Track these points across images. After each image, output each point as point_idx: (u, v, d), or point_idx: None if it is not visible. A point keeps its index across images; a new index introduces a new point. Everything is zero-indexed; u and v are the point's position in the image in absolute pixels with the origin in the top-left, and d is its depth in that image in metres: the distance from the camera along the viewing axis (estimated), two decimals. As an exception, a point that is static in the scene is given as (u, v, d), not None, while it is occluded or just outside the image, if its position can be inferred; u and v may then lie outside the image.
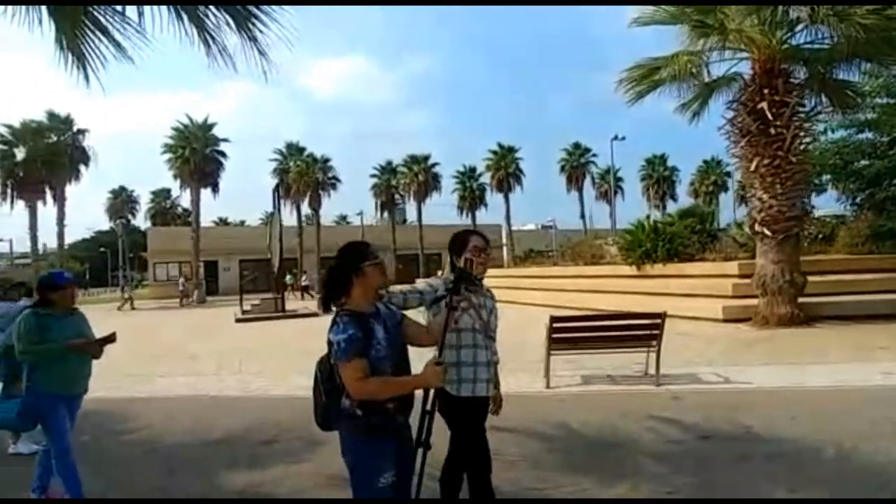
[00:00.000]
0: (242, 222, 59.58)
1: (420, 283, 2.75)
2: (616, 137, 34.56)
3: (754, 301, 10.86)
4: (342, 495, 2.92)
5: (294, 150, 39.06)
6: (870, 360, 7.03)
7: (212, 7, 4.39)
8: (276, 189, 18.00)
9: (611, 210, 40.73)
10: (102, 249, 50.92)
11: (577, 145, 45.76)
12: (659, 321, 6.33)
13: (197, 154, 31.63)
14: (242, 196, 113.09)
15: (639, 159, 51.04)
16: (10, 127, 28.45)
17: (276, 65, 4.52)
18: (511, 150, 42.50)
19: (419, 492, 2.28)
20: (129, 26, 4.38)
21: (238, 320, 17.98)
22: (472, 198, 43.75)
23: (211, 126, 33.25)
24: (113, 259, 47.49)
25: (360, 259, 2.22)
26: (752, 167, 10.95)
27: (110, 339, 3.56)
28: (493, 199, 43.49)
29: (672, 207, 39.85)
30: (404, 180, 41.43)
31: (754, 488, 3.50)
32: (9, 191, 28.60)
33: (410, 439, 2.27)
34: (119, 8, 4.39)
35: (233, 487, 3.85)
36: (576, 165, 45.15)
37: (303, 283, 27.96)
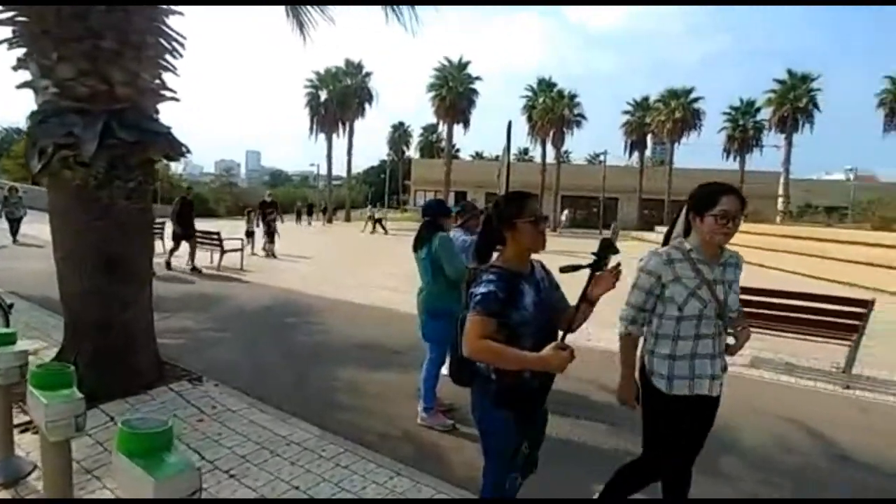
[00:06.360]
0: (496, 157, 62.98)
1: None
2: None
3: None
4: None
5: (545, 85, 38.92)
6: None
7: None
8: (509, 125, 18.67)
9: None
10: (382, 176, 60.77)
11: (913, 69, 34.24)
12: (863, 310, 4.91)
13: (452, 92, 34.49)
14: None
15: None
16: (317, 73, 35.84)
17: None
18: (805, 78, 34.28)
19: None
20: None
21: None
22: (743, 138, 37.36)
23: (465, 65, 35.61)
24: (391, 183, 56.56)
25: (515, 214, 1.96)
26: None
27: None
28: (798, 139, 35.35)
29: None
30: (659, 118, 37.56)
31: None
32: (314, 125, 36.46)
33: (544, 403, 2.09)
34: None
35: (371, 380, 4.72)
36: (906, 96, 33.99)
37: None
